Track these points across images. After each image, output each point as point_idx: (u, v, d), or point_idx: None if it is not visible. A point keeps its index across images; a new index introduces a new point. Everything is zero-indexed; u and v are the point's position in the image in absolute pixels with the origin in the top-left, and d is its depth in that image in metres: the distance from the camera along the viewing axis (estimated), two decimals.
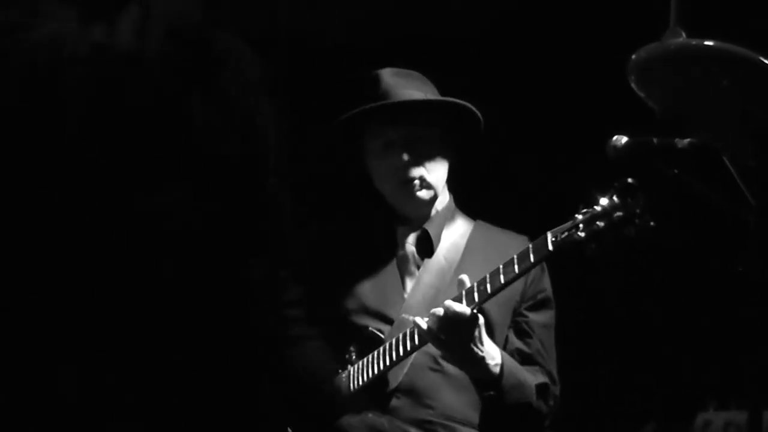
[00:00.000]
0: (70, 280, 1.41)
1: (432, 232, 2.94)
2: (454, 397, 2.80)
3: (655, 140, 2.09)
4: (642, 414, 3.48)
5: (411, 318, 2.76)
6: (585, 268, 2.88)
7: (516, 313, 2.87)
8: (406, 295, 2.87)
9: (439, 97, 2.96)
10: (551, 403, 2.83)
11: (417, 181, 2.88)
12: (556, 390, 2.86)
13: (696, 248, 3.68)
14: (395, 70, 2.98)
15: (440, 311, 2.60)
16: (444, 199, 2.98)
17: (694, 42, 1.78)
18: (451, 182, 3.01)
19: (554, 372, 2.87)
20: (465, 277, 2.64)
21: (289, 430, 2.43)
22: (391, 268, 2.92)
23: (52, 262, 1.41)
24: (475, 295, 2.61)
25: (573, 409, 3.08)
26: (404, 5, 3.84)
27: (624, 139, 2.17)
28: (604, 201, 2.53)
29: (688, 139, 2.03)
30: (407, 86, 2.92)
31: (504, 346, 2.81)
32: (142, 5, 1.44)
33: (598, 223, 2.51)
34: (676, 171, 2.04)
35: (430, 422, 2.76)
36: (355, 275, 2.92)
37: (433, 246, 2.93)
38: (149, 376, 1.43)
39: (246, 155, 1.47)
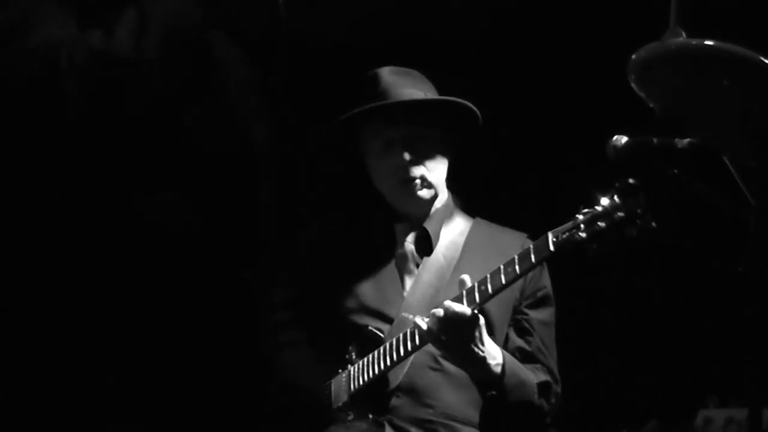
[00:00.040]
0: (70, 279, 1.41)
1: (431, 230, 2.94)
2: (455, 396, 2.79)
3: (655, 140, 2.10)
4: (643, 413, 3.47)
5: (410, 317, 2.75)
6: (585, 267, 2.88)
7: (516, 310, 2.87)
8: (405, 294, 2.87)
9: (439, 97, 2.96)
10: (553, 401, 2.83)
11: (418, 181, 2.89)
12: (557, 388, 2.86)
13: (696, 248, 3.68)
14: (394, 68, 2.98)
15: (440, 312, 2.59)
16: (443, 197, 2.98)
17: (694, 42, 1.79)
18: (450, 181, 3.01)
19: (555, 369, 2.87)
20: (466, 277, 2.64)
21: None
22: (390, 267, 2.92)
23: (52, 262, 1.41)
24: (476, 295, 2.61)
25: (573, 409, 3.08)
26: (404, 5, 3.84)
27: (624, 139, 2.17)
28: (605, 201, 2.52)
29: (688, 139, 2.03)
30: (407, 85, 2.92)
31: (504, 345, 2.80)
32: (139, 10, 1.44)
33: (599, 223, 2.51)
34: (676, 171, 2.04)
35: (430, 421, 2.76)
36: (355, 274, 2.92)
37: (432, 244, 2.93)
38: (149, 376, 1.43)
39: (242, 157, 1.47)
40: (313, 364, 2.88)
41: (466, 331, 2.61)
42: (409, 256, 2.93)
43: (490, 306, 2.73)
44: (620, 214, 2.49)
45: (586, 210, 2.54)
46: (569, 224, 2.55)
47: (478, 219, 3.04)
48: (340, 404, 2.79)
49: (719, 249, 3.35)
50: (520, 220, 3.00)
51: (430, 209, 2.96)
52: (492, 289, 2.60)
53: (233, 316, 1.50)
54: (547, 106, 3.93)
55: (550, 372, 2.85)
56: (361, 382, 2.77)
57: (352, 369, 2.80)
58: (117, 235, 1.41)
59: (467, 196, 3.09)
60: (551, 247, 2.55)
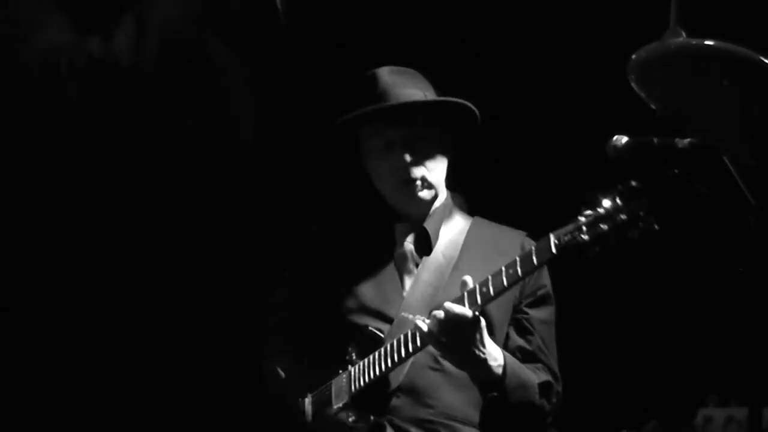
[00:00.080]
0: (70, 280, 1.41)
1: (430, 229, 2.94)
2: (455, 396, 2.79)
3: (655, 140, 2.10)
4: (643, 413, 3.48)
5: (410, 317, 2.75)
6: (585, 266, 2.88)
7: (516, 309, 2.86)
8: (405, 294, 2.87)
9: (439, 97, 2.96)
10: (554, 400, 2.83)
11: (419, 182, 2.88)
12: (558, 387, 2.85)
13: (696, 248, 3.68)
14: (393, 68, 2.97)
15: (441, 314, 2.59)
16: (442, 196, 2.98)
17: (694, 42, 1.79)
18: (450, 180, 3.01)
19: (556, 368, 2.86)
20: (468, 278, 2.63)
21: None
22: (390, 267, 2.92)
23: (53, 262, 1.41)
24: (477, 296, 2.60)
25: (573, 409, 3.08)
26: (405, 5, 3.84)
27: (624, 139, 2.17)
28: (606, 203, 2.51)
29: (688, 139, 2.03)
30: (406, 85, 2.92)
31: (505, 344, 2.80)
32: (138, 16, 1.44)
33: (601, 225, 2.50)
34: (676, 171, 2.04)
35: (430, 422, 2.76)
36: (354, 275, 2.92)
37: (431, 243, 2.93)
38: (149, 376, 1.43)
39: (240, 161, 1.47)
40: (291, 377, 2.87)
41: (467, 332, 2.60)
42: (409, 255, 2.93)
43: (490, 305, 2.72)
44: (623, 216, 2.48)
45: (587, 212, 2.53)
46: (571, 226, 2.54)
47: (477, 217, 3.03)
48: (341, 404, 2.79)
49: (719, 249, 3.36)
50: (520, 220, 3.00)
51: (430, 209, 2.96)
52: (493, 291, 2.60)
53: (232, 317, 1.50)
54: (546, 106, 3.93)
55: (550, 371, 2.85)
56: (362, 383, 2.76)
57: (352, 370, 2.80)
58: (117, 237, 1.41)
59: (467, 195, 3.09)
60: (553, 250, 2.54)
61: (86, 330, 1.42)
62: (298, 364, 2.93)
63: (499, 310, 2.81)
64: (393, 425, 2.74)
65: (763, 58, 1.73)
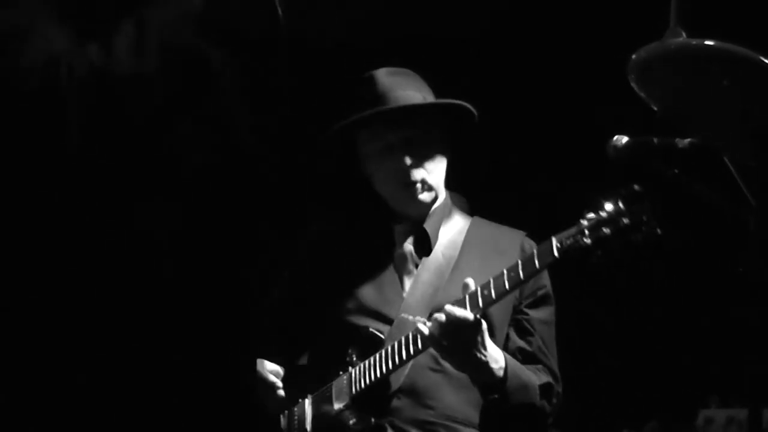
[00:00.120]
0: (71, 281, 1.41)
1: (430, 230, 2.93)
2: (455, 397, 2.79)
3: (655, 140, 2.10)
4: (643, 413, 3.47)
5: (410, 318, 2.75)
6: (585, 267, 2.88)
7: (516, 310, 2.86)
8: (404, 294, 2.87)
9: (437, 100, 2.96)
10: (554, 401, 2.83)
11: (419, 185, 2.88)
12: (558, 388, 2.85)
13: (696, 248, 3.68)
14: (390, 69, 2.97)
15: (442, 317, 2.58)
16: (441, 197, 2.98)
17: (694, 42, 1.79)
18: (450, 180, 3.01)
19: (556, 368, 2.86)
20: (470, 281, 2.62)
21: None
22: (389, 268, 2.92)
23: (53, 262, 1.41)
24: (479, 299, 2.59)
25: (573, 409, 3.07)
26: (405, 5, 3.84)
27: (624, 139, 2.17)
28: (609, 207, 2.48)
29: (688, 139, 2.03)
30: (405, 87, 2.92)
31: (505, 345, 2.80)
32: (137, 22, 1.45)
33: (604, 229, 2.48)
34: (676, 171, 2.04)
35: (431, 423, 2.76)
36: (354, 275, 2.91)
37: (431, 244, 2.92)
38: (148, 376, 1.43)
39: (239, 162, 1.47)
40: (285, 380, 2.87)
41: (469, 335, 2.59)
42: (408, 256, 2.93)
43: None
44: (625, 220, 2.46)
45: (590, 215, 2.51)
46: (573, 229, 2.52)
47: (477, 217, 3.03)
48: (341, 406, 2.79)
49: (719, 249, 3.36)
50: (520, 221, 3.00)
51: (429, 210, 2.96)
52: (495, 294, 2.59)
53: (232, 317, 1.50)
54: (546, 106, 3.93)
55: (551, 372, 2.84)
56: (362, 385, 2.76)
57: (353, 371, 2.80)
58: (117, 239, 1.42)
59: (467, 195, 3.09)
60: (555, 253, 2.53)
61: (86, 330, 1.43)
62: (291, 366, 2.92)
63: (500, 310, 2.80)
64: (394, 427, 2.74)
65: (763, 58, 1.73)
